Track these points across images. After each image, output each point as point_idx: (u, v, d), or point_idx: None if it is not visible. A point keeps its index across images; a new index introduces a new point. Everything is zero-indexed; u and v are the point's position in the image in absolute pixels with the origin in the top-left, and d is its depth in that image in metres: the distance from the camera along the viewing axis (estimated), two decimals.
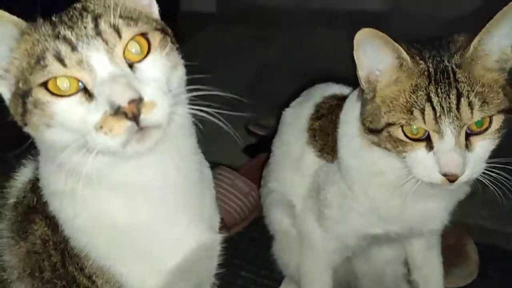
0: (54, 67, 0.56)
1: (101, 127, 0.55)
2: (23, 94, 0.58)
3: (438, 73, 0.71)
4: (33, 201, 0.73)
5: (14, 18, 0.60)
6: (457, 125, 0.70)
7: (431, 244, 1.03)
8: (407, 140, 0.73)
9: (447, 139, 0.70)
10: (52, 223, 0.70)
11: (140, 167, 0.65)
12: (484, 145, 0.73)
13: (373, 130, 0.77)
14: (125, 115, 0.54)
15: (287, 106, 1.10)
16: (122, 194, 0.67)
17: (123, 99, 0.54)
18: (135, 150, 0.58)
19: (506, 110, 0.72)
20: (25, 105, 0.58)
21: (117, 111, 0.54)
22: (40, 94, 0.57)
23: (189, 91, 0.65)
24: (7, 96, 0.62)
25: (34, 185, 0.72)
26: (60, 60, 0.56)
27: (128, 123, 0.55)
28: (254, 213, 1.45)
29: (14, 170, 0.78)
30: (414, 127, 0.72)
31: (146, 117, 0.56)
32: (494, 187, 0.78)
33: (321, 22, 3.02)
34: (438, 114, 0.69)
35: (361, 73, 0.76)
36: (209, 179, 0.79)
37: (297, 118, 1.03)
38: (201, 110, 0.64)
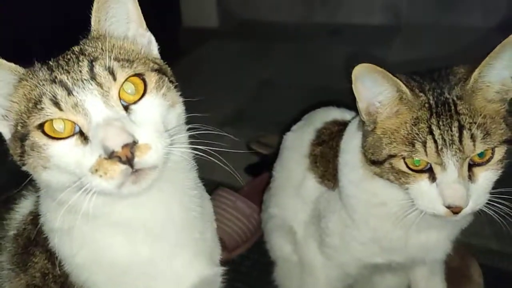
0: (50, 110, 0.57)
1: (96, 170, 0.55)
2: (21, 137, 0.59)
3: (439, 105, 0.70)
4: (33, 233, 0.72)
5: (12, 65, 0.61)
6: (459, 157, 0.69)
7: (434, 271, 1.02)
8: (409, 171, 0.73)
9: (450, 171, 0.70)
10: (52, 256, 0.70)
11: (139, 204, 0.65)
12: (487, 176, 0.72)
13: (375, 161, 0.76)
14: (119, 159, 0.55)
15: (289, 126, 1.10)
16: (121, 231, 0.67)
17: (116, 144, 0.54)
18: (130, 191, 0.58)
19: (508, 140, 0.72)
20: (23, 147, 0.59)
21: (111, 155, 0.55)
22: (37, 137, 0.58)
23: (188, 129, 0.65)
24: (7, 136, 0.63)
25: (35, 218, 0.72)
26: (56, 103, 0.57)
27: (122, 167, 0.55)
28: (256, 235, 1.43)
29: (14, 202, 0.78)
30: (416, 159, 0.71)
31: (141, 160, 0.56)
32: (500, 217, 0.77)
33: (323, 37, 3.03)
34: (440, 147, 0.69)
35: (361, 105, 0.75)
36: (210, 213, 0.79)
37: (298, 143, 1.03)
38: (199, 150, 0.64)
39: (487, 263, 1.36)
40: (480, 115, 0.70)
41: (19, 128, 0.59)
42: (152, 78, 0.62)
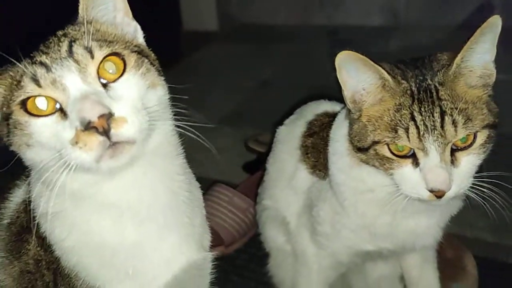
0: (30, 87, 0.60)
1: (76, 142, 0.58)
2: (6, 117, 0.62)
3: (421, 92, 0.72)
4: (26, 221, 0.74)
5: None
6: (441, 143, 0.71)
7: (426, 259, 1.03)
8: (393, 157, 0.74)
9: (432, 156, 0.71)
10: (45, 243, 0.72)
11: (125, 186, 0.67)
12: (469, 160, 0.74)
13: (361, 148, 0.78)
14: (96, 130, 0.57)
15: (282, 121, 1.12)
16: (109, 213, 0.68)
17: (92, 114, 0.57)
18: (109, 166, 0.60)
19: (491, 125, 0.74)
20: (8, 127, 0.62)
21: (87, 127, 0.57)
22: (19, 115, 0.60)
23: (173, 112, 0.67)
24: None
25: (27, 206, 0.74)
26: (36, 81, 0.60)
27: (100, 138, 0.57)
28: (252, 230, 1.45)
29: (8, 192, 0.80)
30: (399, 145, 0.73)
31: (117, 132, 0.58)
32: (485, 202, 0.78)
33: (321, 39, 3.06)
34: (422, 132, 0.71)
35: (346, 93, 0.77)
36: (199, 199, 0.81)
37: (290, 136, 1.05)
38: (180, 127, 0.66)
39: (481, 255, 1.36)
40: (462, 100, 0.72)
41: (4, 109, 0.62)
42: (131, 58, 0.65)
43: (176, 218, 0.73)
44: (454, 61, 0.73)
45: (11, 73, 0.63)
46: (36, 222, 0.71)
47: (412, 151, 0.73)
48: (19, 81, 0.61)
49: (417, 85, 0.73)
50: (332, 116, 0.95)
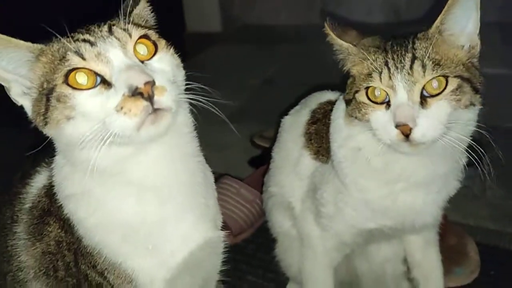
0: (75, 60, 0.64)
1: (122, 108, 0.62)
2: (47, 93, 0.65)
3: (397, 46, 0.79)
4: (47, 204, 0.78)
5: (29, 44, 0.68)
6: (409, 81, 0.76)
7: (429, 242, 1.06)
8: (369, 102, 0.80)
9: (400, 94, 0.76)
10: (66, 225, 0.76)
11: (150, 162, 0.71)
12: (440, 105, 0.76)
13: (347, 101, 0.86)
14: (141, 95, 0.62)
15: (287, 112, 1.16)
16: (133, 192, 0.72)
17: (139, 81, 0.62)
18: (148, 133, 0.65)
19: (465, 78, 0.77)
20: (48, 102, 0.65)
21: (134, 92, 0.62)
22: (63, 88, 0.64)
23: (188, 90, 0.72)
24: (29, 107, 0.69)
25: (48, 190, 0.78)
26: (80, 54, 0.65)
27: (144, 103, 0.62)
28: (260, 220, 1.49)
29: (30, 177, 0.85)
30: (373, 86, 0.79)
31: (159, 98, 0.63)
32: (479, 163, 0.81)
33: (323, 38, 3.09)
34: (392, 72, 0.77)
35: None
36: (212, 182, 0.85)
37: (295, 124, 1.08)
38: (197, 100, 0.71)
39: (484, 242, 1.40)
40: (437, 53, 0.77)
41: (45, 85, 0.66)
42: (162, 42, 0.72)
43: (193, 198, 0.77)
44: (434, 24, 0.79)
45: (52, 49, 0.67)
46: (59, 205, 0.75)
47: (387, 99, 0.79)
48: (63, 56, 0.65)
49: (394, 43, 0.80)
50: (335, 104, 0.99)
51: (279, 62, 2.92)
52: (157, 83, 0.64)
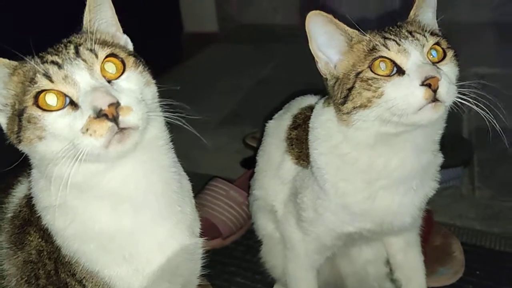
0: (43, 83, 0.67)
1: (87, 129, 0.64)
2: (18, 114, 0.68)
3: (386, 29, 0.85)
4: (28, 214, 0.81)
5: (5, 60, 0.70)
6: (417, 45, 0.80)
7: (410, 243, 1.08)
8: (378, 76, 0.80)
9: (415, 55, 0.79)
10: (45, 234, 0.78)
11: (124, 176, 0.73)
12: (448, 67, 0.82)
13: (346, 96, 0.83)
14: (106, 116, 0.64)
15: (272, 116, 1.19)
16: (108, 202, 0.74)
17: (103, 103, 0.64)
18: (116, 151, 0.67)
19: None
20: (20, 123, 0.68)
21: (99, 114, 0.64)
22: (33, 110, 0.67)
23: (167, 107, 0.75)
24: (4, 123, 0.72)
25: (28, 200, 0.80)
26: (48, 77, 0.67)
27: (109, 124, 0.64)
28: (249, 222, 1.50)
29: (12, 187, 0.87)
30: (382, 55, 0.80)
31: (124, 118, 0.65)
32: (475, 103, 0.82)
33: None
34: (397, 41, 0.80)
35: (320, 65, 0.89)
36: (189, 189, 0.87)
37: (278, 129, 1.10)
38: (173, 117, 0.74)
39: (469, 242, 1.42)
40: (425, 29, 0.85)
41: (16, 106, 0.68)
42: (130, 59, 0.73)
43: (169, 206, 0.80)
44: (409, 16, 0.88)
45: (23, 69, 0.70)
46: (38, 215, 0.77)
47: (395, 70, 0.79)
48: (32, 78, 0.67)
49: (385, 29, 0.85)
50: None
51: (275, 62, 2.94)
52: (122, 104, 0.66)
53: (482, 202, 1.59)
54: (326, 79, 0.89)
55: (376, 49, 0.80)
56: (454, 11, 2.94)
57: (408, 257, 1.09)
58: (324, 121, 0.91)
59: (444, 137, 0.95)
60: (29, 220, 0.80)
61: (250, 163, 1.79)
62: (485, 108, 0.83)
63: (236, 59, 3.05)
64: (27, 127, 0.67)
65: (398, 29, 0.84)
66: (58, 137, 0.66)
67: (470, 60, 2.35)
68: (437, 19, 0.92)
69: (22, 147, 0.70)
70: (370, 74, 0.80)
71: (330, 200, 0.92)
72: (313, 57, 0.88)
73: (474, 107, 0.81)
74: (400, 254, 1.09)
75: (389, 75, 0.79)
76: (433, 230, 1.35)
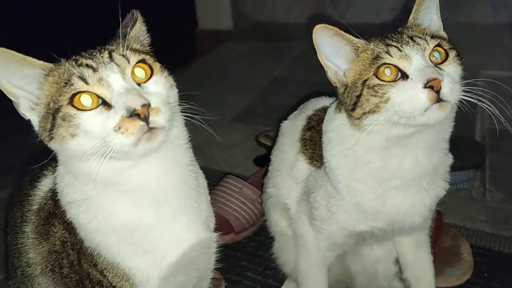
0: (79, 85, 0.71)
1: (119, 128, 0.68)
2: (53, 112, 0.72)
3: (389, 36, 0.87)
4: (53, 207, 0.85)
5: (41, 62, 0.74)
6: (418, 49, 0.83)
7: (420, 244, 1.10)
8: (383, 82, 0.83)
9: (416, 60, 0.82)
10: (69, 227, 0.82)
11: (147, 173, 0.77)
12: (451, 67, 0.85)
13: (355, 103, 0.86)
14: (138, 116, 0.68)
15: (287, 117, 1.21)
16: (131, 197, 0.78)
17: (137, 103, 0.68)
18: (145, 149, 0.71)
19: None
20: (54, 120, 0.72)
21: (132, 114, 0.68)
22: (68, 109, 0.71)
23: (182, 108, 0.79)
24: (36, 122, 0.75)
25: (53, 194, 0.84)
26: (84, 79, 0.71)
27: (141, 123, 0.68)
28: (261, 219, 1.53)
29: (37, 180, 0.91)
30: (386, 63, 0.83)
31: (154, 119, 0.70)
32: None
33: None
34: (399, 47, 0.83)
35: (329, 74, 0.92)
36: (204, 187, 0.91)
37: (292, 129, 1.13)
38: (191, 117, 0.78)
39: (479, 245, 1.43)
40: (425, 32, 0.88)
41: (51, 105, 0.72)
42: (157, 65, 0.78)
43: (186, 202, 0.83)
44: (408, 20, 0.90)
45: (58, 71, 0.74)
46: (62, 209, 0.81)
47: (398, 75, 0.82)
48: (68, 80, 0.71)
49: (387, 36, 0.88)
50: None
51: (289, 60, 2.95)
52: (152, 105, 0.70)
53: (493, 205, 1.60)
54: (336, 87, 0.92)
55: (380, 56, 0.83)
56: (473, 12, 2.93)
57: (418, 257, 1.11)
58: (337, 125, 0.94)
59: (456, 140, 0.97)
60: (53, 213, 0.85)
61: (263, 161, 1.82)
62: (493, 107, 0.86)
63: (250, 57, 3.07)
64: (61, 125, 0.71)
65: (399, 36, 0.86)
66: (90, 135, 0.70)
67: (485, 62, 2.35)
68: (446, 19, 0.94)
69: (52, 144, 0.74)
70: (376, 81, 0.83)
71: (343, 199, 0.95)
72: (323, 67, 0.92)
73: (482, 105, 0.83)
74: (410, 254, 1.11)
75: (394, 80, 0.82)
76: (442, 231, 1.37)
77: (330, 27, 0.86)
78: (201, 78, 2.68)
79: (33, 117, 0.75)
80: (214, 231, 0.91)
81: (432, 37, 0.86)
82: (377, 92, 0.83)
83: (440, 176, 0.97)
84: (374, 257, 1.12)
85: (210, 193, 0.94)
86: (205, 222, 0.88)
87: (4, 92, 0.73)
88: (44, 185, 0.90)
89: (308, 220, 1.04)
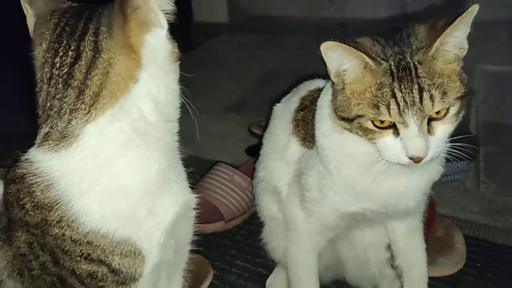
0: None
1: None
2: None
3: (401, 70, 0.77)
4: (9, 215, 0.76)
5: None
6: (420, 116, 0.77)
7: (413, 229, 1.07)
8: (376, 129, 0.80)
9: (412, 128, 0.77)
10: (36, 228, 0.73)
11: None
12: (444, 128, 0.80)
13: (345, 118, 0.84)
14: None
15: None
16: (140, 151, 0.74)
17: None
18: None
19: (463, 96, 0.79)
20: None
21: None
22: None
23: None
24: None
25: (7, 202, 0.76)
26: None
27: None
28: (252, 208, 1.51)
29: None
30: (382, 119, 0.79)
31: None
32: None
33: (330, 31, 3.09)
34: (402, 108, 0.76)
35: (330, 69, 0.83)
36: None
37: (284, 111, 1.10)
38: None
39: (472, 235, 1.42)
40: (439, 76, 0.77)
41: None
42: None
43: (174, 160, 0.81)
44: (434, 45, 0.77)
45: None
46: (28, 209, 0.73)
47: (393, 123, 0.79)
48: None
49: (397, 64, 0.77)
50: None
51: (284, 53, 2.94)
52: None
53: (487, 196, 1.58)
54: (333, 83, 0.87)
55: (379, 107, 0.78)
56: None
57: (410, 244, 1.08)
58: (329, 101, 0.91)
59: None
60: (13, 219, 0.76)
61: (255, 151, 1.80)
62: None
63: (245, 50, 3.05)
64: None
65: (410, 81, 0.76)
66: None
67: (482, 57, 2.35)
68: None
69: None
70: (369, 125, 0.81)
71: (334, 180, 0.92)
72: (325, 63, 0.84)
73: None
74: (402, 240, 1.08)
75: (385, 128, 0.80)
76: (435, 220, 1.35)
77: (337, 43, 0.79)
78: (195, 70, 2.65)
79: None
80: (201, 218, 0.89)
81: (444, 95, 0.77)
82: (367, 133, 0.82)
83: (435, 160, 0.95)
84: (366, 242, 1.09)
85: (200, 181, 0.90)
86: (186, 181, 0.85)
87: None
88: None
89: (299, 202, 1.02)
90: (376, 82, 0.78)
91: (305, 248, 1.05)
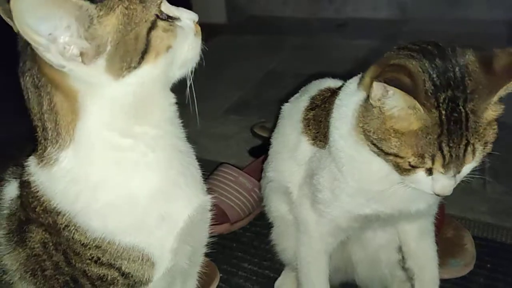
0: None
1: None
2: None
3: (451, 122, 0.73)
4: (24, 215, 0.76)
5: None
6: (457, 170, 0.77)
7: (424, 232, 1.05)
8: (411, 168, 0.79)
9: (448, 175, 0.77)
10: (51, 228, 0.73)
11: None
12: (469, 167, 0.79)
13: (377, 146, 0.80)
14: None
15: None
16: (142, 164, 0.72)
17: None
18: None
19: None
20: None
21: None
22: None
23: None
24: None
25: (23, 201, 0.75)
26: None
27: None
28: (257, 209, 1.49)
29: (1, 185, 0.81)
30: (426, 167, 0.77)
31: None
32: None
33: (329, 32, 3.09)
34: (447, 161, 0.75)
35: (373, 96, 0.78)
36: (192, 151, 0.85)
37: (294, 111, 1.08)
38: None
39: (481, 235, 1.40)
40: (484, 126, 0.74)
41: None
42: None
43: (186, 165, 0.79)
44: (495, 96, 0.74)
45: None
46: (40, 212, 0.73)
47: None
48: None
49: (448, 114, 0.73)
50: (334, 91, 0.99)
51: (284, 54, 2.92)
52: None
53: (494, 196, 1.57)
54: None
55: (424, 157, 0.75)
56: (469, 9, 2.92)
57: (422, 246, 1.07)
58: (355, 102, 0.85)
59: None
60: (27, 220, 0.76)
61: (258, 152, 1.78)
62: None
63: (244, 51, 3.03)
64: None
65: (460, 135, 0.72)
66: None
67: None
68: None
69: None
70: (405, 166, 0.79)
71: (347, 182, 0.90)
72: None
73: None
74: (414, 242, 1.06)
75: (419, 167, 0.78)
76: (445, 222, 1.33)
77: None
78: (195, 71, 2.63)
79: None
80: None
81: (485, 144, 0.75)
82: (399, 168, 0.80)
83: None
84: (377, 244, 1.08)
85: (204, 182, 0.88)
86: (201, 184, 0.83)
87: None
88: (9, 192, 0.80)
89: (311, 204, 1.00)
90: (423, 129, 0.74)
91: (317, 249, 1.03)
